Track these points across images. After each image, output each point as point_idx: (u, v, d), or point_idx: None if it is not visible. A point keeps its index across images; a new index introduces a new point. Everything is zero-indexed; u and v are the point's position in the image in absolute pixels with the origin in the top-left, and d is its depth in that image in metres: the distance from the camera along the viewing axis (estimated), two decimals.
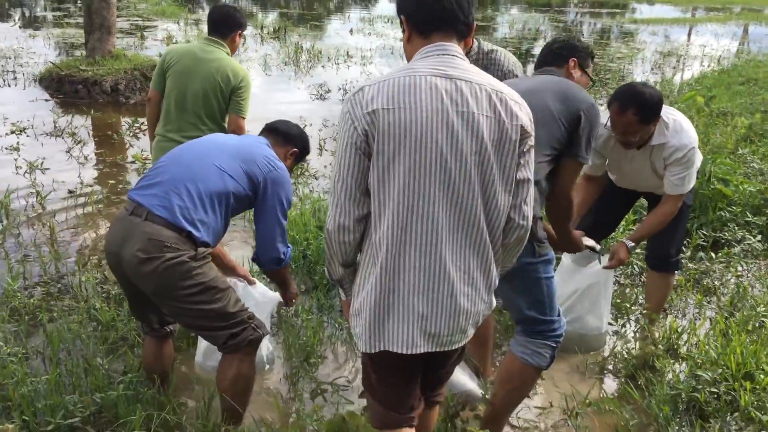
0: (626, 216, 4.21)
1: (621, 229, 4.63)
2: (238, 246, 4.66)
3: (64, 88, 8.98)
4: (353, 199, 1.92)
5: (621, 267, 4.30)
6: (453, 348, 2.06)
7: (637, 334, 3.83)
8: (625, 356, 3.53)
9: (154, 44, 13.00)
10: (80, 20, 13.30)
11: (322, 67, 12.04)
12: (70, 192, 5.57)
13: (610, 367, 3.55)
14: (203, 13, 19.67)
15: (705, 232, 4.95)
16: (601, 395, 3.30)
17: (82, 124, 7.68)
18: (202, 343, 3.17)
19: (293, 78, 11.08)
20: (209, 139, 2.89)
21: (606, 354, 3.63)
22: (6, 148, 6.60)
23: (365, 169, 1.90)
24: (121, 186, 5.88)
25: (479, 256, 1.97)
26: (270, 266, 2.84)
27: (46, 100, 8.74)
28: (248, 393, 2.77)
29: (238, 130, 3.74)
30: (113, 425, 2.71)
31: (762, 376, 3.04)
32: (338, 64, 12.35)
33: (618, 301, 4.05)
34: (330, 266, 2.10)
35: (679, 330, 3.65)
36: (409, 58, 2.03)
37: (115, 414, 2.75)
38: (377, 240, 1.93)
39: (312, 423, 2.73)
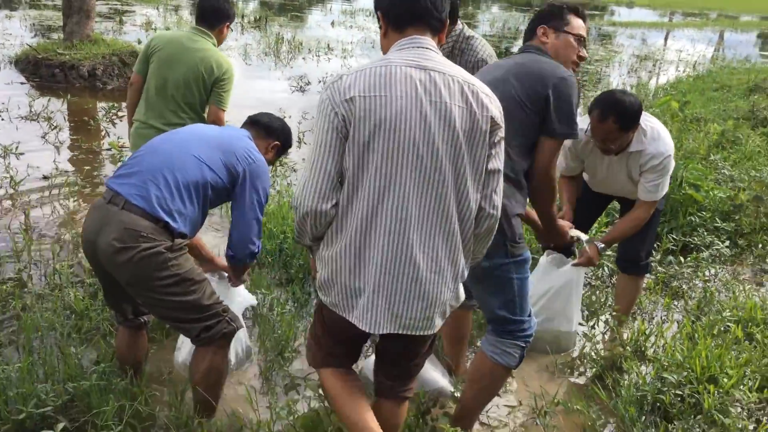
0: (599, 218, 4.29)
1: (593, 231, 4.70)
2: (214, 238, 4.65)
3: (41, 72, 8.85)
4: (332, 183, 2.01)
5: (592, 269, 4.38)
6: (418, 334, 2.11)
7: (606, 336, 3.90)
8: (594, 357, 3.60)
9: (132, 29, 12.86)
10: (58, 2, 13.12)
11: (303, 58, 12.01)
12: (44, 177, 5.52)
13: (579, 367, 3.61)
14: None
15: (675, 237, 5.04)
16: (570, 395, 3.37)
17: (58, 108, 7.58)
18: (185, 344, 3.13)
19: (273, 68, 11.04)
20: (190, 130, 2.89)
21: (575, 354, 3.70)
22: None
23: (343, 154, 1.99)
24: (96, 173, 5.83)
25: (447, 245, 2.05)
26: (244, 260, 2.83)
27: (22, 83, 8.61)
28: (221, 385, 2.78)
29: (217, 122, 3.74)
30: (85, 415, 2.70)
31: (725, 380, 3.12)
32: (319, 56, 12.33)
33: (588, 302, 4.12)
34: (300, 238, 2.19)
35: (647, 332, 3.73)
36: (385, 52, 2.13)
37: (87, 404, 2.75)
38: (350, 221, 2.03)
39: (286, 417, 2.75)
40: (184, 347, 3.13)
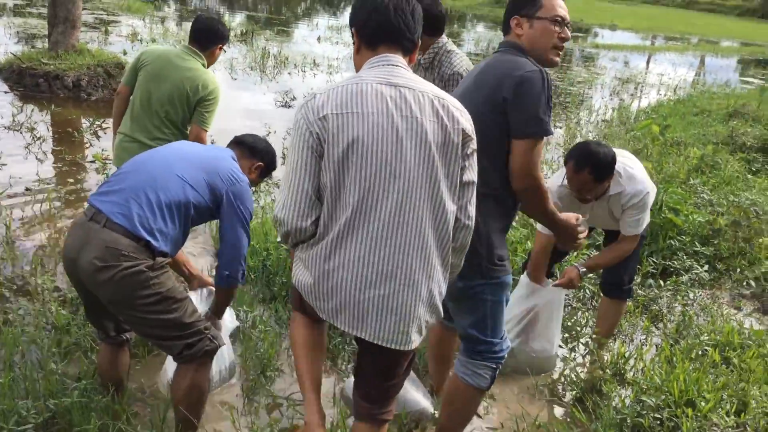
0: None
1: (575, 254, 4.76)
2: (201, 255, 4.65)
3: (25, 81, 8.79)
4: (310, 202, 2.08)
5: (573, 291, 4.43)
6: (394, 347, 2.12)
7: (586, 358, 3.94)
8: (574, 379, 3.63)
9: (118, 40, 12.82)
10: (43, 10, 13.05)
11: (289, 73, 12.04)
12: (27, 189, 5.48)
13: (560, 390, 3.64)
14: (169, 11, 19.51)
15: (655, 260, 5.10)
16: (551, 418, 3.40)
17: (41, 119, 7.54)
18: (171, 364, 3.08)
19: (259, 83, 11.06)
20: (174, 148, 2.90)
21: (556, 377, 3.73)
22: None
23: (319, 172, 2.04)
24: (79, 185, 5.81)
25: (422, 258, 2.08)
26: (231, 281, 2.80)
27: (5, 93, 8.54)
28: (202, 404, 2.77)
29: (198, 141, 3.73)
30: None
31: (703, 404, 3.16)
32: (304, 71, 12.37)
33: (569, 324, 4.16)
34: (285, 243, 2.26)
35: (627, 355, 3.77)
36: (357, 69, 2.19)
37: (68, 421, 2.73)
38: (331, 235, 2.07)
39: None
40: (170, 366, 3.11)
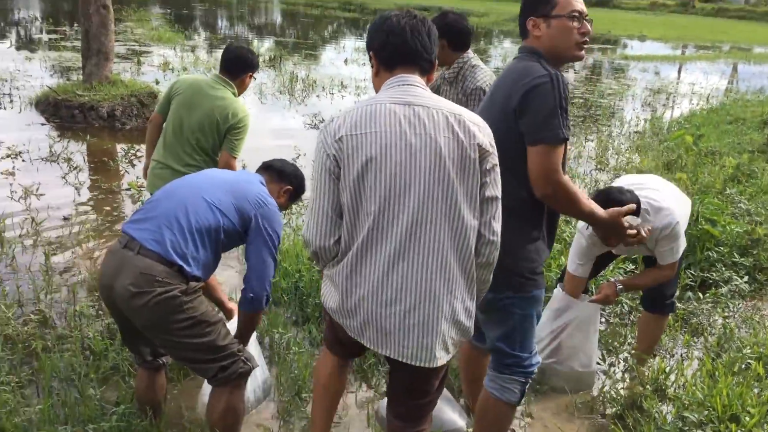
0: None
1: (611, 267, 4.70)
2: (231, 279, 4.68)
3: (61, 113, 9.01)
4: (331, 222, 2.14)
5: (609, 306, 4.37)
6: (419, 364, 2.14)
7: (626, 374, 3.87)
8: (614, 396, 3.57)
9: (150, 70, 13.08)
10: (77, 43, 13.38)
11: (317, 96, 12.14)
12: (64, 218, 5.59)
13: (599, 407, 3.58)
14: (199, 39, 19.85)
15: (693, 272, 5.01)
16: None
17: (77, 149, 7.72)
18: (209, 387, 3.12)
19: (288, 107, 11.17)
20: (204, 174, 2.94)
21: (595, 393, 3.67)
22: (1, 173, 6.62)
23: (338, 193, 2.09)
24: (115, 213, 5.91)
25: (443, 274, 2.09)
26: (256, 306, 2.77)
27: (42, 124, 8.76)
28: (238, 426, 2.79)
29: (228, 168, 3.79)
30: None
31: (747, 419, 3.08)
32: (332, 93, 12.46)
33: (608, 340, 4.10)
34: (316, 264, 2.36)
35: (667, 370, 3.70)
36: (377, 90, 2.22)
37: None
38: (352, 252, 2.12)
39: None
40: (208, 390, 3.13)
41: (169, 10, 28.95)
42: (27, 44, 16.12)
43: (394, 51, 2.15)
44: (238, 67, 3.92)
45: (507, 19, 37.33)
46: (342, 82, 13.49)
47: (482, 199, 2.13)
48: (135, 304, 2.46)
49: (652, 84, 17.15)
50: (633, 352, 3.88)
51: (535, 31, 2.49)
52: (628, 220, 2.67)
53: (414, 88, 2.13)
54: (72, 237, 5.22)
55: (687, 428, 3.09)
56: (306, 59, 17.28)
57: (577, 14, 2.45)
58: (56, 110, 9.09)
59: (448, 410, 3.13)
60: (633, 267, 4.89)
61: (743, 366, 3.74)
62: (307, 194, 3.27)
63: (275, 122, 9.93)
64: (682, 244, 3.45)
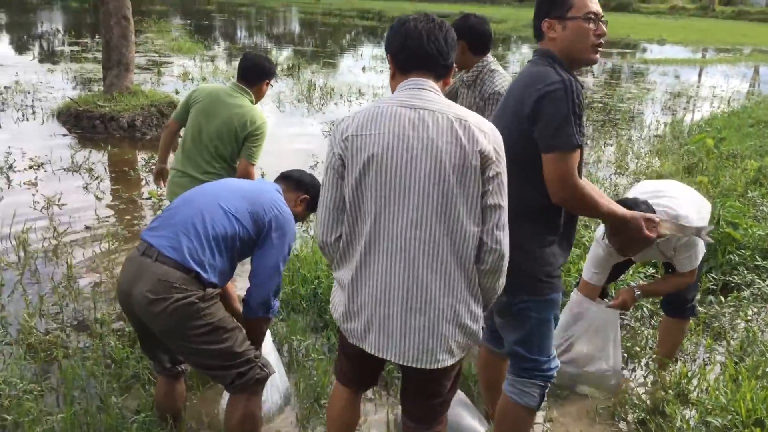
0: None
1: (630, 272, 4.66)
2: None
3: (82, 124, 9.14)
4: (333, 218, 2.20)
5: (630, 311, 4.33)
6: (421, 366, 2.15)
7: (648, 379, 3.83)
8: (636, 401, 3.54)
9: (170, 80, 13.21)
10: (98, 55, 13.55)
11: (335, 104, 12.19)
12: (86, 228, 5.66)
13: (621, 412, 3.54)
14: (218, 49, 20.02)
15: (714, 276, 4.96)
16: None
17: (99, 159, 7.82)
18: None
19: (306, 115, 11.23)
20: (222, 183, 2.96)
21: (616, 399, 3.64)
22: (24, 183, 6.72)
23: (342, 191, 2.16)
24: (136, 222, 5.97)
25: (442, 277, 2.10)
26: (257, 312, 2.75)
27: (64, 135, 8.88)
28: None
29: (246, 175, 3.84)
30: None
31: None
32: (350, 101, 12.51)
33: (629, 344, 4.06)
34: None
35: (689, 375, 3.66)
36: (393, 92, 2.24)
37: None
38: (352, 250, 2.18)
39: None
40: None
41: (188, 21, 29.27)
42: (49, 56, 16.37)
43: (411, 55, 2.16)
44: (255, 74, 3.96)
45: (525, 25, 37.23)
46: (360, 90, 13.54)
47: (484, 207, 2.11)
48: (153, 311, 2.48)
49: (672, 88, 17.02)
50: (654, 356, 3.83)
51: (550, 33, 2.46)
52: (667, 227, 2.63)
53: (424, 92, 2.13)
54: (93, 246, 5.28)
55: None
56: (324, 67, 17.36)
57: (592, 16, 2.42)
58: (78, 121, 9.21)
59: (467, 416, 3.12)
60: (653, 271, 4.84)
61: (767, 370, 3.69)
62: None
63: (294, 130, 9.98)
64: (701, 250, 3.41)
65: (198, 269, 2.55)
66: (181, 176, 3.90)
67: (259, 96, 4.02)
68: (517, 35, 33.34)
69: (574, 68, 2.48)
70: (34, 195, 6.27)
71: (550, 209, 2.44)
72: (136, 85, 10.22)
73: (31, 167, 7.28)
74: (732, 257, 5.13)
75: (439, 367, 2.16)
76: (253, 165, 3.90)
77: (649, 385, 3.77)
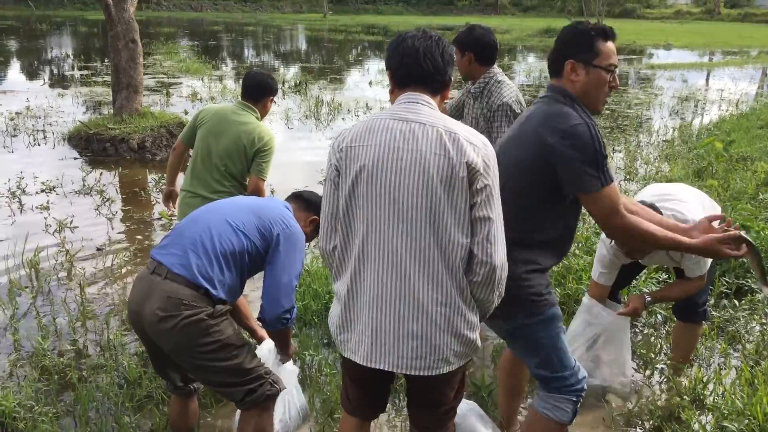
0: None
1: (643, 277, 4.64)
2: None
3: (93, 146, 9.22)
4: (330, 228, 2.26)
5: (644, 316, 4.31)
6: (415, 373, 2.17)
7: (663, 385, 3.80)
8: (651, 408, 3.51)
9: (179, 101, 13.33)
10: (108, 78, 13.68)
11: (342, 119, 12.24)
12: (98, 249, 5.70)
13: (636, 419, 3.52)
14: (226, 69, 20.18)
15: (728, 279, 4.92)
16: None
17: (110, 181, 7.88)
18: None
19: (314, 130, 11.28)
20: (229, 200, 2.98)
21: (631, 406, 3.61)
22: (36, 207, 6.78)
23: (338, 201, 2.21)
24: (147, 242, 6.00)
25: (433, 287, 2.13)
26: (274, 325, 2.78)
27: (75, 159, 8.97)
28: None
29: (256, 190, 3.88)
30: None
31: None
32: (358, 115, 12.56)
33: (642, 351, 4.03)
34: None
35: (705, 380, 3.63)
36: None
37: None
38: (347, 259, 2.22)
39: None
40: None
41: (196, 42, 29.52)
42: (60, 81, 16.55)
43: (408, 72, 2.21)
44: (259, 91, 4.01)
45: (530, 34, 37.35)
46: (367, 104, 13.59)
47: (474, 219, 2.13)
48: (162, 328, 2.50)
49: (680, 92, 16.98)
50: (669, 362, 3.81)
51: (573, 75, 2.50)
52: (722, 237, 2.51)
53: (418, 106, 2.18)
54: (106, 267, 5.31)
55: None
56: (331, 83, 17.46)
57: (613, 68, 2.51)
58: (88, 144, 9.30)
59: (481, 427, 3.10)
60: (666, 277, 4.82)
61: None
62: None
63: (302, 145, 10.04)
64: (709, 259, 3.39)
65: (207, 286, 2.57)
66: (192, 197, 3.93)
67: (264, 112, 4.07)
68: (522, 45, 33.40)
69: None
70: (46, 218, 6.34)
71: (533, 240, 2.49)
72: (145, 107, 10.31)
73: (43, 191, 7.36)
74: (745, 260, 5.09)
75: (435, 374, 2.17)
76: (264, 180, 3.93)
77: (665, 390, 3.74)
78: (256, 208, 2.82)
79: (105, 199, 7.10)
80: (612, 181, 2.38)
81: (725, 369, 3.89)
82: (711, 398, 3.53)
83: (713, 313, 4.50)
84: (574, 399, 2.63)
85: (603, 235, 3.48)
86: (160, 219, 6.53)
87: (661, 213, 3.12)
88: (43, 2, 51.30)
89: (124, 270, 5.29)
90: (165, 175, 7.74)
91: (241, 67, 20.50)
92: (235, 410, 3.19)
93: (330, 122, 11.93)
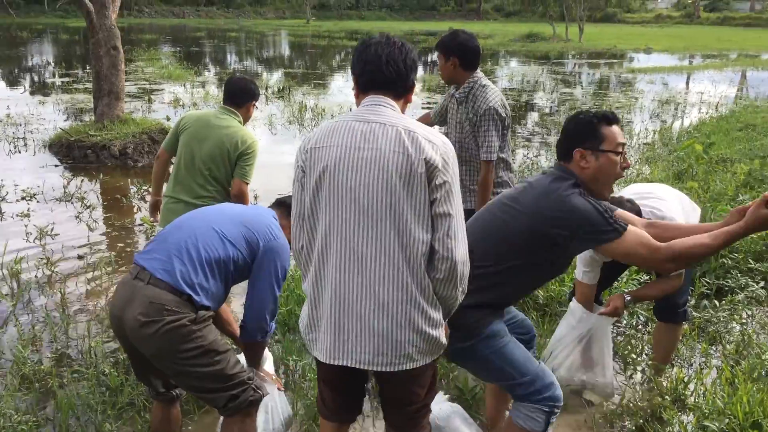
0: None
1: (624, 279, 4.67)
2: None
3: (74, 154, 9.15)
4: (299, 228, 2.29)
5: (626, 317, 4.33)
6: (378, 369, 2.21)
7: (644, 385, 3.83)
8: (633, 408, 3.53)
9: (161, 107, 13.27)
10: (89, 85, 13.61)
11: None
12: (79, 257, 5.66)
13: (618, 420, 3.54)
14: (209, 75, 20.11)
15: (708, 280, 4.97)
16: None
17: (91, 188, 7.83)
18: None
19: (298, 136, 11.27)
20: (215, 208, 2.98)
21: (613, 407, 3.63)
22: (16, 215, 6.72)
23: (304, 202, 2.26)
24: (129, 249, 5.96)
25: (394, 283, 2.16)
26: (253, 335, 2.81)
27: (56, 166, 8.91)
28: None
29: (240, 194, 3.88)
30: None
31: None
32: None
33: (625, 352, 4.06)
34: None
35: (686, 380, 3.66)
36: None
37: None
38: (312, 258, 2.26)
39: None
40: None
41: (178, 49, 29.41)
42: (41, 89, 16.44)
43: (370, 78, 2.26)
44: (241, 96, 4.03)
45: (512, 39, 37.56)
46: (350, 109, 13.47)
47: (434, 215, 2.17)
48: (144, 334, 2.48)
49: (660, 95, 17.13)
50: (650, 362, 3.83)
51: (583, 163, 2.58)
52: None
53: (381, 107, 2.23)
54: (86, 274, 5.27)
55: None
56: (315, 89, 17.45)
57: (621, 148, 2.59)
58: (69, 151, 9.23)
59: (463, 427, 3.10)
60: (647, 278, 4.85)
61: (763, 372, 3.69)
62: None
63: (285, 149, 10.01)
64: None
65: (190, 292, 2.56)
66: (175, 202, 3.92)
67: (246, 117, 4.08)
68: (504, 50, 33.58)
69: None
70: (26, 226, 6.28)
71: (495, 297, 2.60)
72: (127, 114, 10.26)
73: (23, 198, 7.30)
74: (725, 261, 5.15)
75: (397, 370, 2.20)
76: (247, 184, 3.94)
77: (646, 391, 3.77)
78: (244, 217, 2.82)
79: (86, 206, 7.05)
80: (627, 227, 2.45)
81: (706, 369, 3.92)
82: (692, 398, 3.56)
83: (694, 313, 4.53)
84: (547, 410, 2.62)
85: None
86: (141, 226, 6.50)
87: (639, 209, 3.15)
88: (24, 10, 50.97)
89: (105, 277, 5.25)
90: (147, 182, 7.79)
91: (224, 73, 20.44)
92: (218, 416, 3.18)
93: (314, 127, 11.92)
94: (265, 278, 2.76)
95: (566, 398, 3.56)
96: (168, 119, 11.15)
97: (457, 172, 2.22)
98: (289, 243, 2.93)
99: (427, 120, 4.41)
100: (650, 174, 8.18)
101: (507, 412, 3.28)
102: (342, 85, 18.52)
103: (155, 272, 2.55)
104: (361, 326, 2.18)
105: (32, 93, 15.56)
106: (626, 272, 4.47)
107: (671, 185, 6.16)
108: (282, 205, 3.12)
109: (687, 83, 20.90)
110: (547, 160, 9.36)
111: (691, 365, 4.05)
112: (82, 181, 8.11)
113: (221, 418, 3.08)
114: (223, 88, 4.12)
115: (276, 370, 3.66)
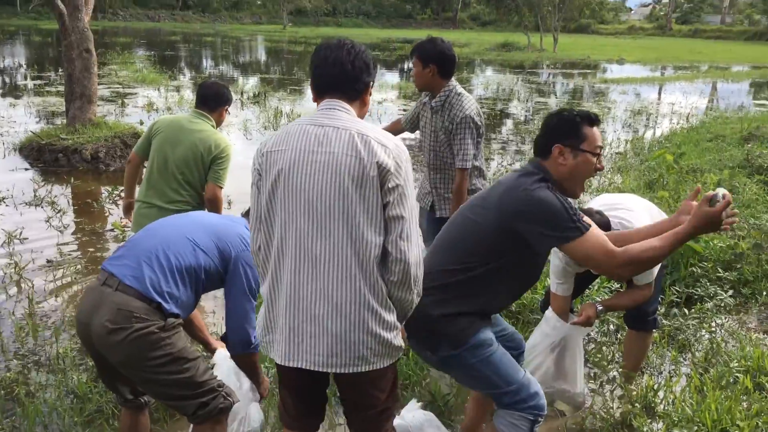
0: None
1: (596, 286, 4.71)
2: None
3: (45, 157, 9.01)
4: (256, 231, 2.30)
5: (597, 325, 4.37)
6: (333, 371, 2.22)
7: (615, 393, 3.86)
8: (604, 416, 3.56)
9: (134, 111, 13.14)
10: (61, 88, 13.43)
11: None
12: (48, 262, 5.57)
13: (589, 427, 3.56)
14: (184, 79, 19.98)
15: (678, 288, 5.02)
16: None
17: (61, 192, 7.72)
18: None
19: None
20: (188, 215, 2.96)
21: (584, 415, 3.65)
22: None
23: (261, 204, 2.27)
24: (99, 254, 5.88)
25: (348, 285, 2.18)
26: (237, 349, 2.82)
27: (26, 169, 8.77)
28: None
29: (214, 198, 3.86)
30: None
31: None
32: None
33: (596, 360, 4.09)
34: None
35: (656, 387, 3.69)
36: None
37: None
38: (269, 261, 2.28)
39: None
40: None
41: (153, 52, 29.18)
42: (11, 91, 16.19)
43: (321, 82, 2.31)
44: (215, 100, 4.03)
45: (488, 48, 37.82)
46: None
47: (387, 218, 2.19)
48: (112, 341, 2.44)
49: (632, 106, 17.34)
50: (621, 370, 3.86)
51: (560, 159, 2.58)
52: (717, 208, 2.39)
53: (335, 111, 2.26)
54: (56, 280, 5.19)
55: None
56: (291, 94, 17.42)
57: (599, 150, 2.60)
58: (40, 155, 9.09)
59: None
60: (618, 286, 4.90)
61: (731, 380, 3.74)
62: None
63: None
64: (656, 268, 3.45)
65: (159, 300, 2.52)
66: (148, 207, 3.89)
67: (219, 121, 4.06)
68: (480, 59, 33.80)
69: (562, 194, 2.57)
70: None
71: (472, 293, 2.58)
72: (99, 117, 10.14)
73: None
74: (695, 269, 5.21)
75: (353, 371, 2.21)
76: (221, 188, 3.92)
77: (617, 398, 3.80)
78: (216, 227, 2.80)
79: (56, 211, 6.95)
80: (589, 227, 2.45)
81: (675, 376, 3.96)
82: (662, 405, 3.60)
83: (664, 321, 4.58)
84: (531, 418, 2.63)
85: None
86: (112, 230, 6.41)
87: (608, 220, 3.18)
88: None
89: (74, 283, 5.17)
90: (118, 186, 7.69)
91: (199, 78, 20.31)
92: (188, 424, 3.14)
93: None
94: (241, 291, 2.76)
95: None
96: (141, 123, 11.04)
97: (410, 175, 2.24)
98: None
99: (397, 126, 4.41)
100: (622, 183, 8.27)
101: (484, 426, 3.30)
102: None
103: (124, 278, 2.52)
104: (315, 328, 2.19)
105: (3, 95, 15.33)
106: (597, 280, 4.50)
107: (642, 194, 6.26)
108: None
109: (659, 94, 21.20)
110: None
111: (661, 373, 4.09)
112: (52, 185, 7.99)
113: (192, 427, 3.07)
114: (196, 92, 4.10)
115: None
